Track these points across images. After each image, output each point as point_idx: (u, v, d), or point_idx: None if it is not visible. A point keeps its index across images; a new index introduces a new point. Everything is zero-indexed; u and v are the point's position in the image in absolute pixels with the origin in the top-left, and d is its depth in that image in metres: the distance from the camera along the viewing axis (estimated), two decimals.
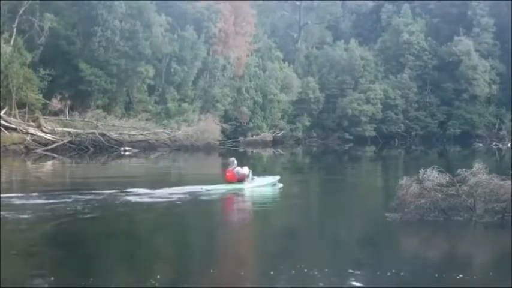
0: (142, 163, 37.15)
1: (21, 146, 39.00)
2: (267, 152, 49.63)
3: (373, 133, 64.75)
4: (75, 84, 43.62)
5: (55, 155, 38.34)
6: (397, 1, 71.20)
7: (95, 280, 9.38)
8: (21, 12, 41.37)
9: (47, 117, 41.80)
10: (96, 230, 13.90)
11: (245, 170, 20.52)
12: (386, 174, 33.24)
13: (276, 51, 61.85)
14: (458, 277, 9.60)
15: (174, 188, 19.55)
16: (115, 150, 41.99)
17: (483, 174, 14.22)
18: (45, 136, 40.36)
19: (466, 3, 69.66)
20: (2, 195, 17.50)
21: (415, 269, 10.36)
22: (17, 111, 40.45)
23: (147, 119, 46.34)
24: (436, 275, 9.80)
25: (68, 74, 43.63)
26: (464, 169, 14.40)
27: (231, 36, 52.74)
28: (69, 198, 17.48)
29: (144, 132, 44.92)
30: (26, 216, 14.81)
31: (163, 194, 18.62)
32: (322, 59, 66.01)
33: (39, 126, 40.65)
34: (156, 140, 45.61)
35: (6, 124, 38.95)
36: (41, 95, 41.61)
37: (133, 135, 44.20)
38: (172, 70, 49.15)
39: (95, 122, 42.85)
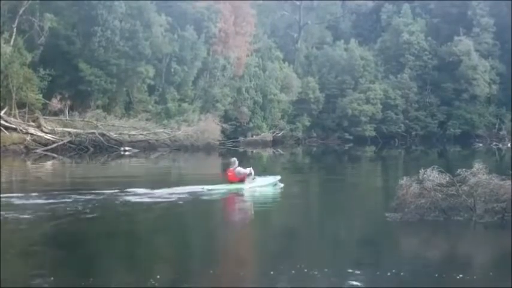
0: (142, 163, 37.14)
1: (21, 146, 39.00)
2: (267, 152, 49.63)
3: (373, 133, 64.77)
4: (75, 84, 43.62)
5: (55, 155, 38.34)
6: (397, 1, 71.23)
7: (95, 280, 9.38)
8: (21, 12, 41.37)
9: (47, 117, 41.81)
10: (96, 230, 13.90)
11: (247, 170, 20.54)
12: (386, 174, 33.24)
13: (276, 51, 61.87)
14: (458, 277, 9.60)
15: (175, 188, 19.53)
16: (115, 150, 42.00)
17: (483, 174, 14.22)
18: (45, 136, 40.36)
19: (466, 3, 69.69)
20: (2, 195, 17.50)
21: (415, 269, 10.36)
22: (17, 111, 40.45)
23: (147, 119, 46.34)
24: (436, 275, 9.80)
25: (68, 74, 43.64)
26: (464, 169, 14.40)
27: (231, 36, 52.75)
28: (69, 198, 17.47)
29: (144, 132, 44.92)
30: (26, 216, 14.80)
31: (164, 194, 18.61)
32: (322, 59, 66.04)
33: (39, 126, 40.65)
34: (156, 140, 45.61)
35: (6, 124, 38.95)
36: (41, 95, 41.61)
37: (133, 135, 44.21)
38: (172, 70, 49.15)
39: (95, 122, 42.85)
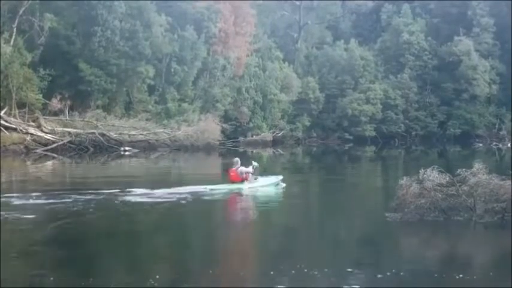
0: (142, 163, 37.15)
1: (21, 146, 38.99)
2: (267, 152, 49.62)
3: (373, 133, 64.75)
4: (75, 84, 43.61)
5: (55, 155, 38.34)
6: (397, 1, 71.20)
7: (94, 280, 9.38)
8: (21, 12, 41.36)
9: (47, 117, 41.80)
10: (96, 230, 13.91)
11: (250, 169, 20.56)
12: (386, 174, 33.24)
13: (276, 51, 61.85)
14: (458, 277, 9.60)
15: (176, 188, 19.53)
16: (115, 150, 41.99)
17: (483, 174, 14.23)
18: (45, 136, 40.36)
19: (466, 3, 69.66)
20: (2, 195, 17.50)
21: (415, 269, 10.36)
22: (17, 111, 40.45)
23: (147, 119, 46.34)
24: (436, 275, 9.80)
25: (68, 74, 43.63)
26: (464, 169, 14.40)
27: (231, 36, 52.74)
28: (69, 198, 17.48)
29: (144, 132, 44.92)
30: (26, 216, 14.81)
31: (165, 194, 18.60)
32: (322, 59, 66.02)
33: (39, 126, 40.64)
34: (156, 140, 45.61)
35: (6, 124, 38.95)
36: (41, 95, 41.60)
37: (133, 135, 44.20)
38: (172, 70, 49.15)
39: (95, 122, 42.84)
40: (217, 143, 49.59)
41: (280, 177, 21.70)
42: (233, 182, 20.32)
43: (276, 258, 11.18)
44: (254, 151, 49.13)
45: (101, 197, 17.87)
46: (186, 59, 49.38)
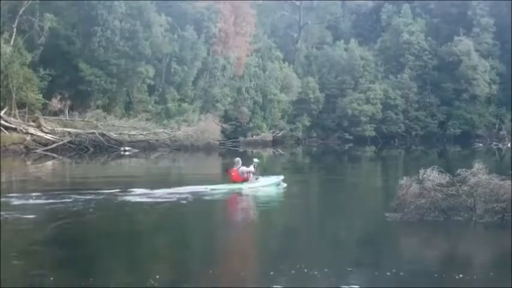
0: (142, 163, 37.15)
1: (21, 146, 38.99)
2: (267, 152, 49.61)
3: (373, 133, 64.76)
4: (75, 84, 43.61)
5: (55, 155, 38.34)
6: (397, 1, 71.20)
7: (94, 280, 9.38)
8: (21, 12, 41.36)
9: (47, 117, 41.80)
10: (96, 230, 13.91)
11: (251, 168, 20.58)
12: (386, 174, 33.23)
13: (276, 51, 61.86)
14: (458, 277, 9.60)
15: (177, 188, 19.53)
16: (115, 150, 41.99)
17: (483, 174, 14.22)
18: (45, 136, 40.36)
19: (466, 3, 69.66)
20: (2, 195, 17.50)
21: (414, 269, 10.36)
22: (17, 111, 40.45)
23: (147, 119, 46.34)
24: (436, 275, 9.80)
25: (68, 74, 43.63)
26: (464, 169, 14.40)
27: (231, 36, 52.75)
28: (69, 198, 17.49)
29: (144, 132, 44.92)
30: (26, 216, 14.81)
31: (165, 194, 18.60)
32: (322, 59, 66.02)
33: (39, 126, 40.65)
34: (156, 140, 45.61)
35: (6, 124, 38.95)
36: (41, 95, 41.60)
37: (133, 135, 44.21)
38: (172, 70, 49.15)
39: (95, 122, 42.85)
40: (217, 143, 49.59)
41: (282, 177, 21.70)
42: (234, 182, 20.33)
43: (276, 258, 11.18)
44: (254, 151, 49.11)
45: (101, 197, 17.87)
46: (186, 59, 49.38)
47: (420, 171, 14.37)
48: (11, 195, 18.03)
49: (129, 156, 40.49)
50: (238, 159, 20.89)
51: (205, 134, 48.01)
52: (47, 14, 41.99)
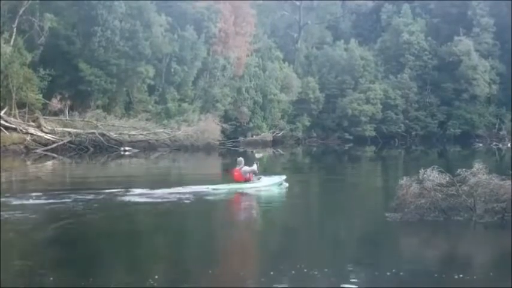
0: (142, 163, 37.14)
1: (21, 146, 38.99)
2: (267, 152, 49.58)
3: (373, 133, 64.78)
4: (75, 84, 43.61)
5: (55, 155, 38.33)
6: (397, 1, 71.24)
7: (94, 280, 9.38)
8: (21, 12, 41.36)
9: (47, 117, 41.80)
10: (96, 230, 13.91)
11: (254, 166, 20.61)
12: (386, 174, 33.23)
13: (276, 51, 61.88)
14: (458, 277, 9.60)
15: (178, 188, 19.52)
16: (115, 150, 41.99)
17: (483, 174, 14.22)
18: (45, 136, 40.36)
19: (466, 3, 69.68)
20: (2, 195, 17.50)
21: (414, 269, 10.36)
22: (17, 111, 40.44)
23: (147, 119, 46.35)
24: (436, 275, 9.80)
25: (68, 74, 43.63)
26: (464, 169, 14.40)
27: (231, 36, 52.75)
28: (69, 198, 17.49)
29: (144, 132, 44.93)
30: (25, 216, 14.81)
31: (166, 194, 18.58)
32: (322, 59, 66.04)
33: (39, 126, 40.64)
34: (156, 140, 45.62)
35: (6, 124, 38.94)
36: (41, 95, 41.59)
37: (133, 135, 44.21)
38: (172, 70, 49.16)
39: (95, 122, 42.85)
40: (217, 143, 49.61)
41: (284, 177, 21.69)
42: (237, 182, 20.34)
43: (276, 258, 11.17)
44: (254, 151, 49.08)
45: (101, 197, 17.87)
46: (186, 59, 49.39)
47: (420, 171, 14.37)
48: (11, 195, 18.02)
49: (129, 156, 40.49)
50: (241, 159, 20.88)
51: (205, 134, 48.02)
52: (47, 14, 41.99)
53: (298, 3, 69.59)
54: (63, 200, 17.20)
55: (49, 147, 39.88)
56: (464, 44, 66.66)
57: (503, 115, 68.59)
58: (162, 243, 12.88)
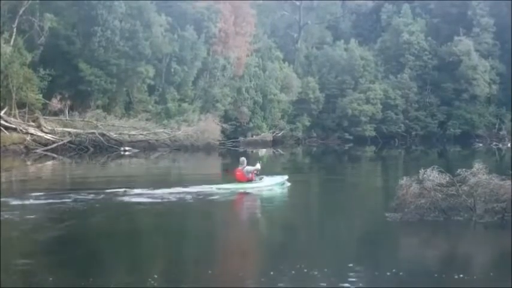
0: (142, 163, 37.13)
1: (21, 146, 38.99)
2: (267, 152, 49.59)
3: (373, 133, 64.76)
4: (75, 84, 43.61)
5: (55, 155, 38.33)
6: (397, 1, 71.22)
7: (94, 280, 9.38)
8: (21, 12, 41.35)
9: (47, 117, 41.80)
10: (96, 230, 13.91)
11: (257, 166, 20.62)
12: (386, 174, 33.23)
13: (276, 51, 61.87)
14: (458, 277, 9.60)
15: (180, 188, 19.52)
16: (115, 150, 41.99)
17: (483, 174, 14.22)
18: (45, 136, 40.35)
19: (466, 3, 69.66)
20: (1, 195, 17.50)
21: (414, 269, 10.36)
22: (17, 111, 40.44)
23: (147, 119, 46.35)
24: (436, 275, 9.80)
25: (68, 74, 43.63)
26: (464, 169, 14.40)
27: (231, 36, 52.75)
28: (69, 198, 17.49)
29: (144, 132, 44.92)
30: (25, 216, 14.81)
31: (167, 194, 18.58)
32: (322, 59, 66.03)
33: (39, 126, 40.64)
34: (156, 140, 45.62)
35: (6, 124, 38.94)
36: (41, 95, 41.59)
37: (133, 135, 44.21)
38: (172, 70, 49.15)
39: (95, 122, 42.85)
40: (217, 143, 49.60)
41: (286, 177, 21.72)
42: (239, 182, 20.34)
43: (276, 258, 11.17)
44: (254, 151, 49.13)
45: (101, 196, 17.87)
46: (186, 59, 49.39)
47: (420, 171, 14.37)
48: (11, 195, 18.02)
49: (129, 156, 40.48)
50: (243, 158, 20.90)
51: (205, 134, 48.02)
52: (47, 14, 41.98)
53: (298, 3, 69.59)
54: (63, 200, 17.20)
55: (49, 147, 39.88)
56: (464, 44, 66.65)
57: (503, 115, 68.56)
58: (162, 243, 12.88)
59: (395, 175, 27.68)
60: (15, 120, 39.90)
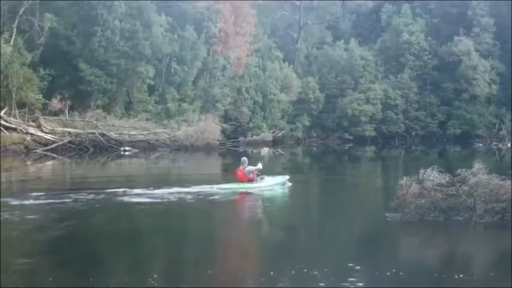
0: (142, 163, 37.14)
1: (21, 146, 38.99)
2: (267, 152, 49.57)
3: (373, 133, 64.76)
4: (75, 84, 43.61)
5: (55, 155, 38.33)
6: (397, 1, 71.22)
7: (94, 280, 9.38)
8: (21, 12, 41.35)
9: (47, 117, 41.80)
10: (96, 230, 13.91)
11: (259, 165, 20.62)
12: (386, 174, 33.23)
13: (276, 51, 61.87)
14: (458, 277, 9.60)
15: (180, 188, 19.52)
16: (115, 150, 41.99)
17: (483, 174, 14.22)
18: (45, 136, 40.36)
19: (466, 3, 69.66)
20: (1, 195, 17.50)
21: (414, 269, 10.36)
22: (17, 111, 40.44)
23: (147, 119, 46.35)
24: (436, 275, 9.80)
25: (68, 74, 43.63)
26: (464, 169, 14.40)
27: (231, 36, 52.75)
28: (69, 198, 17.49)
29: (144, 132, 44.92)
30: (25, 216, 14.81)
31: (167, 193, 18.58)
32: (322, 59, 66.03)
33: (39, 126, 40.64)
34: (156, 140, 45.62)
35: (6, 124, 38.94)
36: (41, 95, 41.59)
37: (133, 135, 44.20)
38: (172, 70, 49.15)
39: (95, 122, 42.85)
40: (217, 143, 49.59)
41: (287, 177, 21.73)
42: (240, 182, 20.34)
43: (276, 258, 11.17)
44: (254, 151, 49.12)
45: (101, 196, 17.87)
46: (186, 59, 49.39)
47: (420, 171, 14.37)
48: (10, 195, 18.02)
49: (129, 156, 40.48)
50: (244, 158, 20.90)
51: (205, 134, 48.02)
52: (47, 14, 41.99)
53: (298, 3, 69.59)
54: (63, 200, 17.21)
55: (49, 147, 39.88)
56: (464, 44, 66.65)
57: (503, 115, 68.56)
58: (162, 243, 12.87)
59: (395, 175, 27.69)
60: (15, 120, 39.90)
